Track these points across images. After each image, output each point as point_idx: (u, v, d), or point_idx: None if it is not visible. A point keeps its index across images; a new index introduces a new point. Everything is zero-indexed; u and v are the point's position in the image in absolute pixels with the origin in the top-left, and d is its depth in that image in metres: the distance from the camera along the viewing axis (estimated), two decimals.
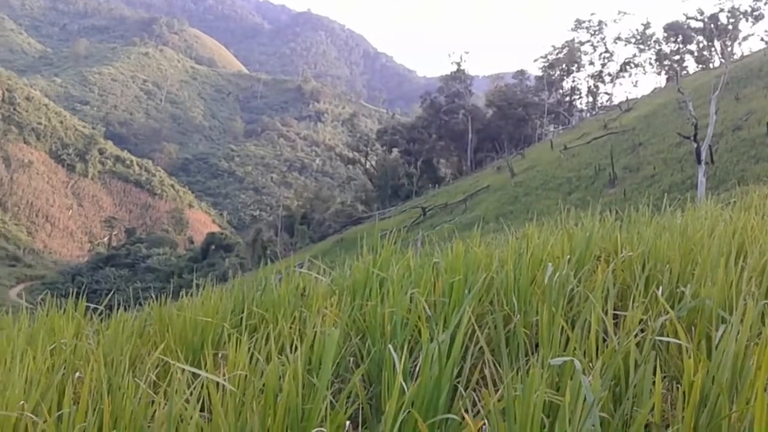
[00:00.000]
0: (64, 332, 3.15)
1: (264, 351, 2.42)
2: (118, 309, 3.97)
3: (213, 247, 79.09)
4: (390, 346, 1.87)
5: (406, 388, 1.69)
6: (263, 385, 1.78)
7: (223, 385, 1.91)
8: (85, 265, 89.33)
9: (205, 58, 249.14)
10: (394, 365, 1.69)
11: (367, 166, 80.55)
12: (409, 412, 1.57)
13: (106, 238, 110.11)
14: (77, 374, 2.56)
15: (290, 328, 2.91)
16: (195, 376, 2.51)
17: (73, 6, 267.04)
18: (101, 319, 3.90)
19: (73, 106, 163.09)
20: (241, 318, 3.22)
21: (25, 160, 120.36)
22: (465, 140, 75.29)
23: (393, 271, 3.25)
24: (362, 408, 1.89)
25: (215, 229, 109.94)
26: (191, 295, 4.09)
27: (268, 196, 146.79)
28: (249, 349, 2.40)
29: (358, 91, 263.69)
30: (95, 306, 3.77)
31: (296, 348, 2.37)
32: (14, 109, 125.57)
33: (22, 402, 1.82)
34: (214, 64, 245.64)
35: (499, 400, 1.55)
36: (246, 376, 1.87)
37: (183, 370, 2.05)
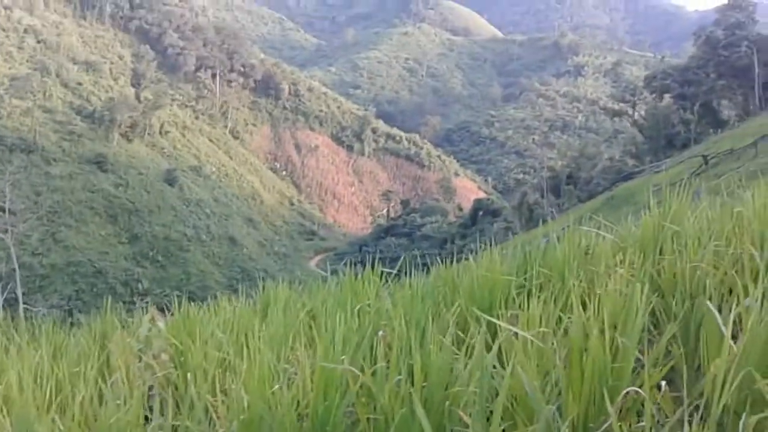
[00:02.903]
0: (366, 295, 3.48)
1: (555, 310, 2.40)
2: (404, 274, 4.29)
3: (481, 212, 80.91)
4: (708, 302, 1.71)
5: (734, 347, 1.53)
6: (565, 342, 1.76)
7: (520, 342, 1.94)
8: (369, 236, 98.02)
9: (460, 28, 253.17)
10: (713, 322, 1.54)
11: (636, 116, 74.87)
12: (745, 370, 1.41)
13: (384, 211, 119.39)
14: (380, 332, 2.82)
15: (579, 286, 2.84)
16: (491, 334, 2.59)
17: None
18: (393, 283, 4.24)
19: (347, 91, 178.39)
20: (526, 278, 3.23)
21: (311, 144, 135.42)
22: (751, 76, 65.47)
23: (688, 223, 2.98)
24: (676, 368, 1.76)
25: (481, 195, 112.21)
26: (473, 257, 4.22)
27: (531, 159, 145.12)
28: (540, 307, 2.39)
29: (620, 38, 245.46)
30: (389, 270, 4.10)
31: (585, 306, 2.30)
32: (299, 100, 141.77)
33: (342, 357, 2.05)
34: (469, 33, 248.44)
35: None
36: (544, 333, 1.87)
37: (480, 324, 2.12)
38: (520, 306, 2.81)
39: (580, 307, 2.33)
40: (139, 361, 3.31)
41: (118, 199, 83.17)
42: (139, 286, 69.74)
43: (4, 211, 43.26)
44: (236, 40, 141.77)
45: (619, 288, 2.31)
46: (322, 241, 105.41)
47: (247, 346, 2.59)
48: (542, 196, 67.64)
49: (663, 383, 1.50)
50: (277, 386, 1.99)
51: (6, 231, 39.71)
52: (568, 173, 70.02)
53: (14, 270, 38.93)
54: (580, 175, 68.20)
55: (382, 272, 4.07)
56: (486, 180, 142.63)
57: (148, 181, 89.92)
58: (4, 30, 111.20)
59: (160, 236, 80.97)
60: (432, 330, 2.20)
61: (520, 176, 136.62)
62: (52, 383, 2.99)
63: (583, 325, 1.71)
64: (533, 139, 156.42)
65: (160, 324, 3.62)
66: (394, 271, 4.05)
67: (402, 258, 4.00)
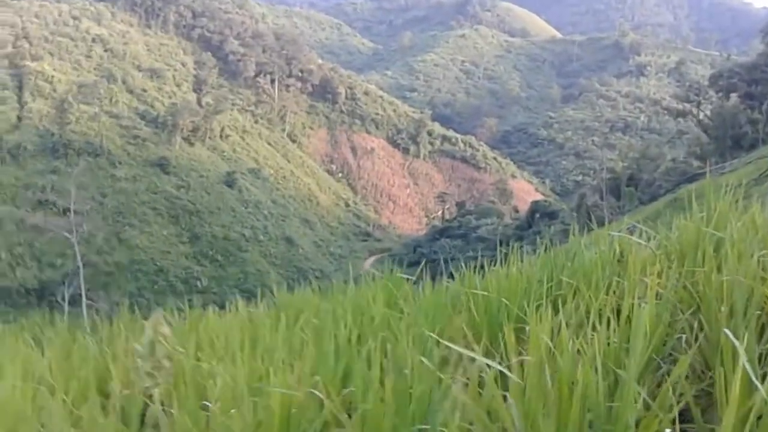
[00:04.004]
0: (375, 303, 3.24)
1: (571, 326, 2.11)
2: (448, 277, 4.02)
3: (537, 215, 79.37)
4: (725, 329, 1.40)
5: (759, 384, 1.23)
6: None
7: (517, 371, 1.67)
8: (424, 238, 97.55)
9: (517, 29, 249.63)
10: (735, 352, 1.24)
11: (700, 116, 72.03)
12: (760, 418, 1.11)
13: (439, 212, 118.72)
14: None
15: (605, 299, 2.53)
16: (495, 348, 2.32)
17: (396, 2, 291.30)
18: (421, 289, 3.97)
19: (403, 94, 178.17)
20: (549, 287, 2.92)
21: (367, 147, 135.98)
22: None
23: (732, 229, 2.62)
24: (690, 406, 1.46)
25: (538, 197, 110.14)
26: (501, 264, 3.92)
27: (591, 160, 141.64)
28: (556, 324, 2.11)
29: (684, 36, 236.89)
30: (408, 277, 3.84)
31: (607, 324, 2.01)
32: (356, 103, 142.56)
33: (318, 378, 1.82)
34: (527, 34, 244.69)
35: None
36: (534, 360, 1.59)
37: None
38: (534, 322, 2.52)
39: (598, 325, 2.04)
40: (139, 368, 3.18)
41: (180, 200, 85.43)
42: (198, 284, 71.49)
43: (70, 212, 45.02)
44: (295, 46, 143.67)
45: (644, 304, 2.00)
46: (377, 242, 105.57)
47: (234, 360, 2.40)
48: (601, 198, 65.74)
49: (667, 430, 1.21)
50: (235, 410, 1.78)
51: (72, 231, 41.25)
52: (629, 175, 67.80)
53: (78, 267, 40.42)
54: (642, 177, 65.98)
55: (401, 278, 3.83)
56: (543, 182, 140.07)
57: (208, 184, 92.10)
58: (72, 39, 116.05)
59: (220, 236, 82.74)
60: (411, 348, 1.94)
61: (579, 178, 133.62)
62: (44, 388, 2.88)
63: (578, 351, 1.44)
64: (593, 140, 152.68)
65: (165, 329, 3.48)
66: (413, 278, 3.79)
67: (423, 262, 3.74)
